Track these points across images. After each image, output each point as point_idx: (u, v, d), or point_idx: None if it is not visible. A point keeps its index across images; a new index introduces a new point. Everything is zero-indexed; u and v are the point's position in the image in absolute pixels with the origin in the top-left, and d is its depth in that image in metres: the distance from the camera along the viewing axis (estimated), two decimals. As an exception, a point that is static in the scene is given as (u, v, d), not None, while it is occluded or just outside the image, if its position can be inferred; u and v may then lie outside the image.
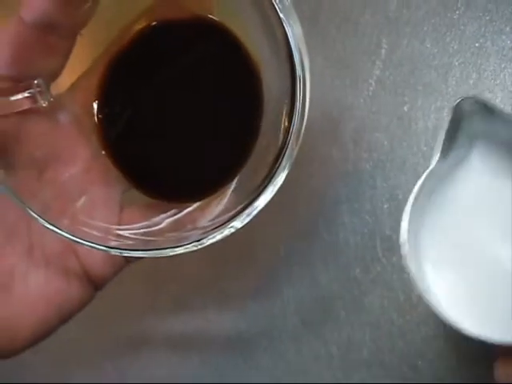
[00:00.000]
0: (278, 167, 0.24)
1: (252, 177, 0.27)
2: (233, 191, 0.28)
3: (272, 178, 0.25)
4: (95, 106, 0.29)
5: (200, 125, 0.30)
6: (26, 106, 0.25)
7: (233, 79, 0.29)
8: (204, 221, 0.27)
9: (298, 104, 0.24)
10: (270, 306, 0.40)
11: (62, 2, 0.24)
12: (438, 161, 0.28)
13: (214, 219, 0.26)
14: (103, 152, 0.30)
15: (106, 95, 0.29)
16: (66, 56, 0.26)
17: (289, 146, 0.24)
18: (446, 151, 0.28)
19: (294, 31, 0.24)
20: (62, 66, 0.26)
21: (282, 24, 0.24)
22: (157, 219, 0.28)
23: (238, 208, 0.25)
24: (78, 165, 0.28)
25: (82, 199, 0.28)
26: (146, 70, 0.30)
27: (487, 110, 0.27)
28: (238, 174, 0.28)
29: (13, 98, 0.25)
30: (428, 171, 0.27)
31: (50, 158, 0.27)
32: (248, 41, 0.28)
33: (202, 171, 0.30)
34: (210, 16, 0.28)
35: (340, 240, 0.39)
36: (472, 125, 0.28)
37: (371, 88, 0.38)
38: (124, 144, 0.30)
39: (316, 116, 0.33)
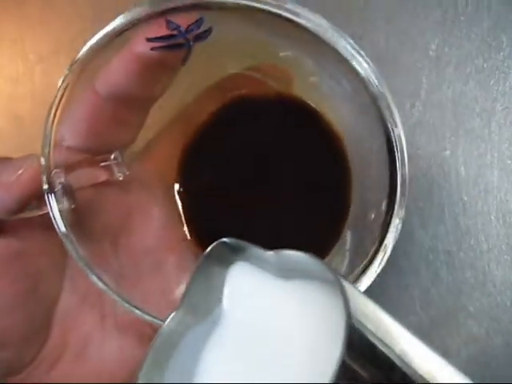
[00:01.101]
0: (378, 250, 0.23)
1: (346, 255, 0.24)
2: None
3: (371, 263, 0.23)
4: (176, 184, 0.29)
5: (285, 200, 0.29)
6: (103, 178, 0.25)
7: (316, 152, 0.28)
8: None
9: (399, 167, 0.22)
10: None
11: (139, 76, 0.23)
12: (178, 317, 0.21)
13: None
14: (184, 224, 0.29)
15: (187, 170, 0.29)
16: (139, 127, 0.26)
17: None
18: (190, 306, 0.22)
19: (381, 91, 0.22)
20: (135, 137, 0.26)
21: (367, 87, 0.22)
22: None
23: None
24: (151, 233, 0.28)
25: (155, 269, 0.28)
26: (227, 145, 0.29)
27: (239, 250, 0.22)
28: (329, 253, 0.27)
29: (90, 171, 0.25)
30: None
31: (123, 227, 0.27)
32: (329, 112, 0.27)
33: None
34: (290, 92, 0.27)
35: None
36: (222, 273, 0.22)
37: (410, 131, 0.36)
38: (205, 218, 0.29)
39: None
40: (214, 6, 0.22)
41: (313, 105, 0.27)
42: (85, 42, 0.22)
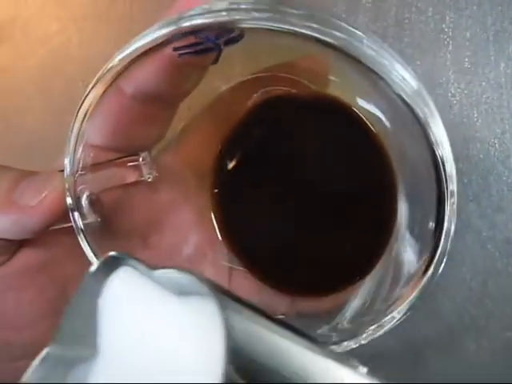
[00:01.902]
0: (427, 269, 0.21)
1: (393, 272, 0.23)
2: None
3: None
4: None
5: (325, 206, 0.27)
6: (131, 179, 0.25)
7: (359, 158, 0.26)
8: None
9: (446, 184, 0.20)
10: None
11: (167, 75, 0.22)
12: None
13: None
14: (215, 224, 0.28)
15: (220, 167, 0.28)
16: (168, 123, 0.25)
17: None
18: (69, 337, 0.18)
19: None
20: (163, 133, 0.25)
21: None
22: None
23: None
24: (181, 232, 0.27)
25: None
26: (263, 144, 0.27)
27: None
28: (372, 269, 0.25)
29: (118, 172, 0.24)
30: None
31: (153, 226, 0.27)
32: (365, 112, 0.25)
33: (328, 264, 0.26)
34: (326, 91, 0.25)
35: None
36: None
37: (467, 112, 0.34)
38: (238, 220, 0.28)
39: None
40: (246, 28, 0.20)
41: (351, 105, 0.25)
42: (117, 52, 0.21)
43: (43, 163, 0.25)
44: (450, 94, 0.33)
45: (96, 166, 0.23)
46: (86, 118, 0.22)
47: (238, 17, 0.19)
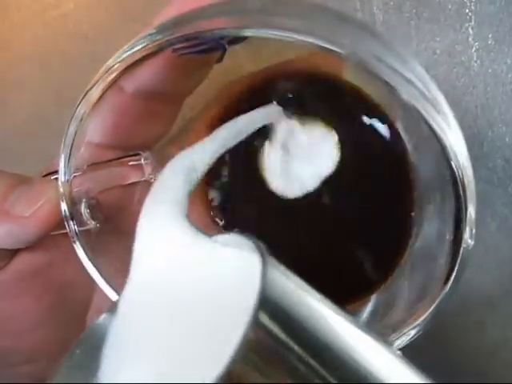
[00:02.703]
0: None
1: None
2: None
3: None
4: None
5: (338, 211, 0.25)
6: (133, 179, 0.24)
7: (373, 168, 0.25)
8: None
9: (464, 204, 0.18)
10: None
11: (168, 74, 0.20)
12: None
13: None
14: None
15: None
16: (171, 121, 0.24)
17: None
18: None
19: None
20: (167, 130, 0.24)
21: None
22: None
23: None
24: None
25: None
26: None
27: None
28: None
29: (119, 171, 0.23)
30: None
31: None
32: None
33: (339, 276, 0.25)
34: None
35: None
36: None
37: (493, 93, 0.31)
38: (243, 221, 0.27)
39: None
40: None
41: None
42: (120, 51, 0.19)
43: (42, 142, 0.24)
44: (472, 73, 0.31)
45: (97, 165, 0.23)
46: (82, 121, 0.21)
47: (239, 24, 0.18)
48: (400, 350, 0.21)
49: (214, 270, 0.16)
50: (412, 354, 0.18)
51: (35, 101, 0.38)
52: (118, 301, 0.18)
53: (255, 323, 0.13)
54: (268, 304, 0.13)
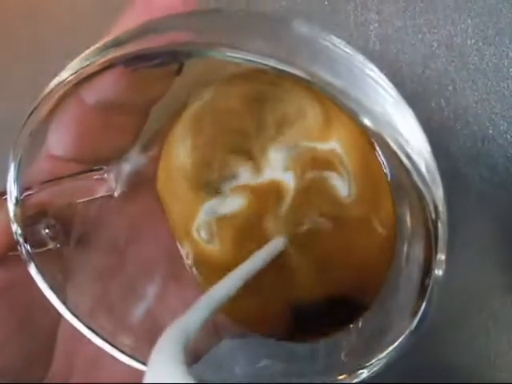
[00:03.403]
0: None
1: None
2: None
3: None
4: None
5: None
6: (99, 193, 0.23)
7: None
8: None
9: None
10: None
11: (129, 85, 0.20)
12: None
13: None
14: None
15: None
16: (135, 133, 0.23)
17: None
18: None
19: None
20: (133, 142, 0.24)
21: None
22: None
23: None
24: (161, 242, 0.26)
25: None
26: None
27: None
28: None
29: (84, 185, 0.23)
30: None
31: (130, 239, 0.25)
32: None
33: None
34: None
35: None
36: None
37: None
38: None
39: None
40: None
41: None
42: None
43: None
44: (472, 67, 0.29)
45: (59, 180, 0.22)
46: (32, 136, 0.20)
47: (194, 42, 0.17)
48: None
49: None
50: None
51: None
52: None
53: None
54: None
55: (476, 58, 0.29)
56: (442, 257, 0.18)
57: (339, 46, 0.18)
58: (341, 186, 0.23)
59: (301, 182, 0.23)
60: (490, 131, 0.29)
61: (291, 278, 0.24)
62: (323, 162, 0.23)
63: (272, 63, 0.16)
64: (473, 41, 0.29)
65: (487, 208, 0.30)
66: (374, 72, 0.18)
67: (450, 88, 0.30)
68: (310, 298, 0.25)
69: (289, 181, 0.23)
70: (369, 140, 0.22)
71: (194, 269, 0.26)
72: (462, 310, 0.32)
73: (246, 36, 0.18)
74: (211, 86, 0.24)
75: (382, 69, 0.27)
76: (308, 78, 0.16)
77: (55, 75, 0.19)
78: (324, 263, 0.24)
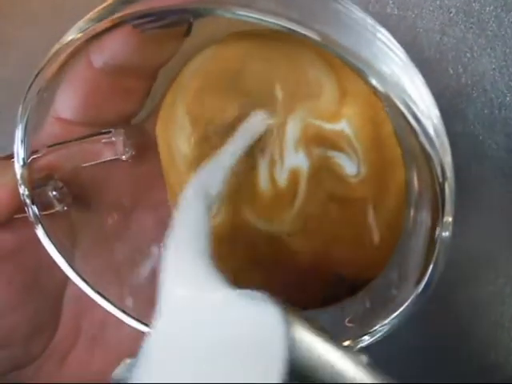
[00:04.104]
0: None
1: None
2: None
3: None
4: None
5: None
6: (107, 157, 0.23)
7: None
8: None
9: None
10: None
11: (138, 48, 0.20)
12: None
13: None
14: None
15: None
16: (145, 95, 0.23)
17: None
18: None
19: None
20: (141, 105, 0.23)
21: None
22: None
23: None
24: (165, 207, 0.26)
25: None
26: None
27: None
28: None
29: (92, 149, 0.23)
30: None
31: (136, 201, 0.25)
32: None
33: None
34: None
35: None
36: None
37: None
38: None
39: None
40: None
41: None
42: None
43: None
44: (490, 34, 0.29)
45: (67, 143, 0.22)
46: (39, 98, 0.20)
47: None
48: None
49: (237, 324, 0.16)
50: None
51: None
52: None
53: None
54: (292, 363, 0.14)
55: (494, 24, 0.29)
56: (449, 219, 0.18)
57: (350, 8, 0.18)
58: (349, 165, 0.23)
59: (312, 164, 0.23)
60: (508, 98, 0.29)
61: (294, 261, 0.25)
62: (332, 143, 0.23)
63: (282, 22, 0.16)
64: (491, 7, 0.29)
65: (503, 174, 0.30)
66: (383, 35, 0.18)
67: (468, 55, 0.30)
68: (314, 277, 0.25)
69: (302, 164, 0.23)
70: (381, 109, 0.22)
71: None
72: (477, 276, 0.32)
73: None
74: (212, 45, 0.23)
75: (399, 35, 0.27)
76: (318, 38, 0.16)
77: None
78: (330, 245, 0.24)
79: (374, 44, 0.18)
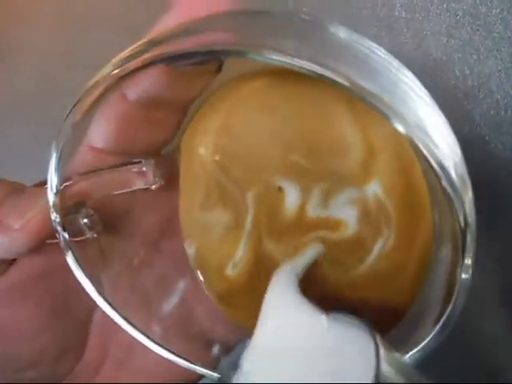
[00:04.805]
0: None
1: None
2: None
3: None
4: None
5: None
6: (137, 186, 0.23)
7: None
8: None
9: None
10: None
11: (170, 83, 0.20)
12: None
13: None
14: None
15: None
16: (176, 127, 0.24)
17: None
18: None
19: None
20: (172, 137, 0.24)
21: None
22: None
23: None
24: None
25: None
26: None
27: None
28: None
29: (122, 177, 0.23)
30: None
31: (164, 230, 0.26)
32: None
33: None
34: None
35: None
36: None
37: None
38: None
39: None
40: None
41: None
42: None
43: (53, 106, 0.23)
44: (496, 36, 0.29)
45: (99, 172, 0.23)
46: (74, 128, 0.20)
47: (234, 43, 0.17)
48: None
49: (331, 345, 0.18)
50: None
51: (43, 63, 0.37)
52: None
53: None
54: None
55: (500, 26, 0.29)
56: (469, 261, 0.18)
57: (375, 50, 0.19)
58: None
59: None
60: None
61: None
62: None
63: (308, 67, 0.16)
64: (498, 10, 0.29)
65: (509, 174, 0.31)
66: (407, 77, 0.19)
67: (475, 57, 0.30)
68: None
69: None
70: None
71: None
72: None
73: (284, 39, 0.18)
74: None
75: (406, 37, 0.27)
76: (346, 83, 0.16)
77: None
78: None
79: (397, 86, 0.18)
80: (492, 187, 0.31)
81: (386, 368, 0.16)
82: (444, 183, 0.17)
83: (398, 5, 0.31)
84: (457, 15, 0.30)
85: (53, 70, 0.37)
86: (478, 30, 0.30)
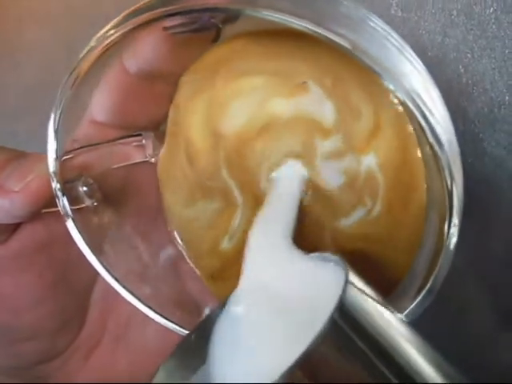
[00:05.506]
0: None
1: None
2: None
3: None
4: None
5: None
6: (136, 159, 0.24)
7: None
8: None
9: None
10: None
11: (169, 52, 0.21)
12: None
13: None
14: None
15: None
16: (170, 101, 0.24)
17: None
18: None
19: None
20: (167, 112, 0.24)
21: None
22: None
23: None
24: None
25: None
26: None
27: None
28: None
29: (122, 151, 0.23)
30: None
31: (161, 204, 0.26)
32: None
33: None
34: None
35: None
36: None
37: None
38: None
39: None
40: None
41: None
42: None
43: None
44: (490, 35, 0.30)
45: (99, 145, 0.23)
46: (72, 93, 0.20)
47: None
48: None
49: (307, 279, 0.20)
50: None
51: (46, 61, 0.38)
52: (227, 301, 0.21)
53: (332, 321, 0.16)
54: (344, 308, 0.16)
55: (494, 26, 0.30)
56: (455, 230, 0.19)
57: (378, 23, 0.19)
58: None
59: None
60: (507, 97, 0.30)
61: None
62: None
63: (307, 24, 0.17)
64: (491, 9, 0.30)
65: (502, 172, 0.31)
66: (406, 50, 0.19)
67: (469, 55, 0.31)
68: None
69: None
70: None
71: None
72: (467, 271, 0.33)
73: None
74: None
75: (402, 36, 0.28)
76: (347, 45, 0.17)
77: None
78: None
79: (397, 56, 0.19)
80: (485, 184, 0.31)
81: (350, 299, 0.17)
82: (431, 139, 0.17)
83: (394, 4, 0.32)
84: (452, 15, 0.31)
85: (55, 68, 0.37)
86: (472, 29, 0.30)
